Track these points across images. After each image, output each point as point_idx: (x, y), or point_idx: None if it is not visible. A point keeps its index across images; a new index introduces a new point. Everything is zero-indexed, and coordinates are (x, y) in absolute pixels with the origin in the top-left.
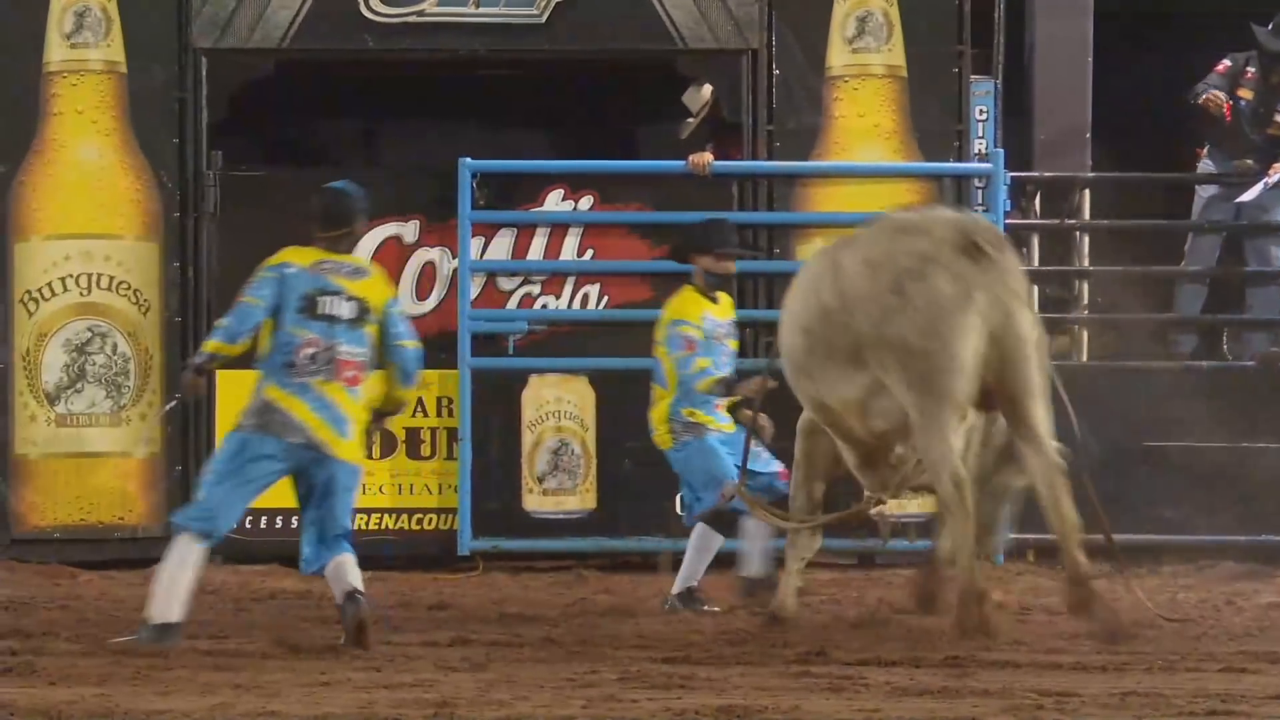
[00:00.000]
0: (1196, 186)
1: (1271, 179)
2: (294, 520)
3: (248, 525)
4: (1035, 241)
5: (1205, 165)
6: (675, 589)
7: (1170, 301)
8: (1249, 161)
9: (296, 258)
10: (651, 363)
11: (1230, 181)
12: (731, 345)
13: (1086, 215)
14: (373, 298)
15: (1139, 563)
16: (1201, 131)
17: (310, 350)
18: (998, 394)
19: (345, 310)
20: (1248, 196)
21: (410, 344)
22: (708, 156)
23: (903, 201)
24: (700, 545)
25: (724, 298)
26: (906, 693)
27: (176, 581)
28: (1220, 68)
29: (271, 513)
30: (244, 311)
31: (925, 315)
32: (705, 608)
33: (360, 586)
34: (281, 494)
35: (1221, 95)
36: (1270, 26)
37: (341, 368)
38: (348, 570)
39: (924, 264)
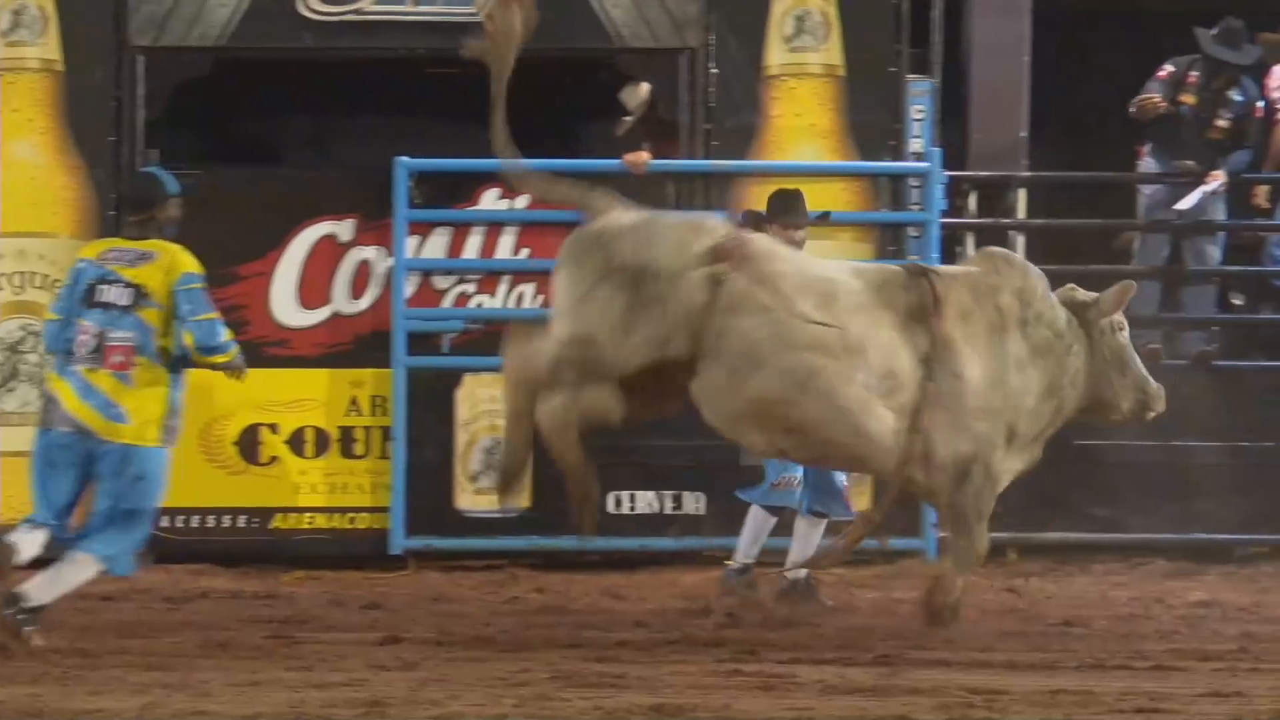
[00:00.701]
0: (1139, 185)
1: (1209, 187)
2: (225, 519)
3: (178, 524)
4: (970, 241)
5: (1147, 165)
6: (734, 564)
7: None
8: (1190, 162)
9: (88, 252)
10: None
11: (1171, 181)
12: None
13: (1022, 215)
14: (152, 282)
15: (1072, 561)
16: (1143, 131)
17: (84, 338)
18: None
19: (120, 297)
20: (1185, 204)
21: (202, 317)
22: (645, 155)
23: (840, 200)
24: (754, 523)
25: None
26: (837, 691)
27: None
28: (1162, 73)
29: (203, 511)
30: (46, 329)
31: None
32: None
33: (38, 593)
34: (210, 492)
35: (1157, 97)
36: (1215, 32)
37: (109, 353)
38: (62, 571)
39: None
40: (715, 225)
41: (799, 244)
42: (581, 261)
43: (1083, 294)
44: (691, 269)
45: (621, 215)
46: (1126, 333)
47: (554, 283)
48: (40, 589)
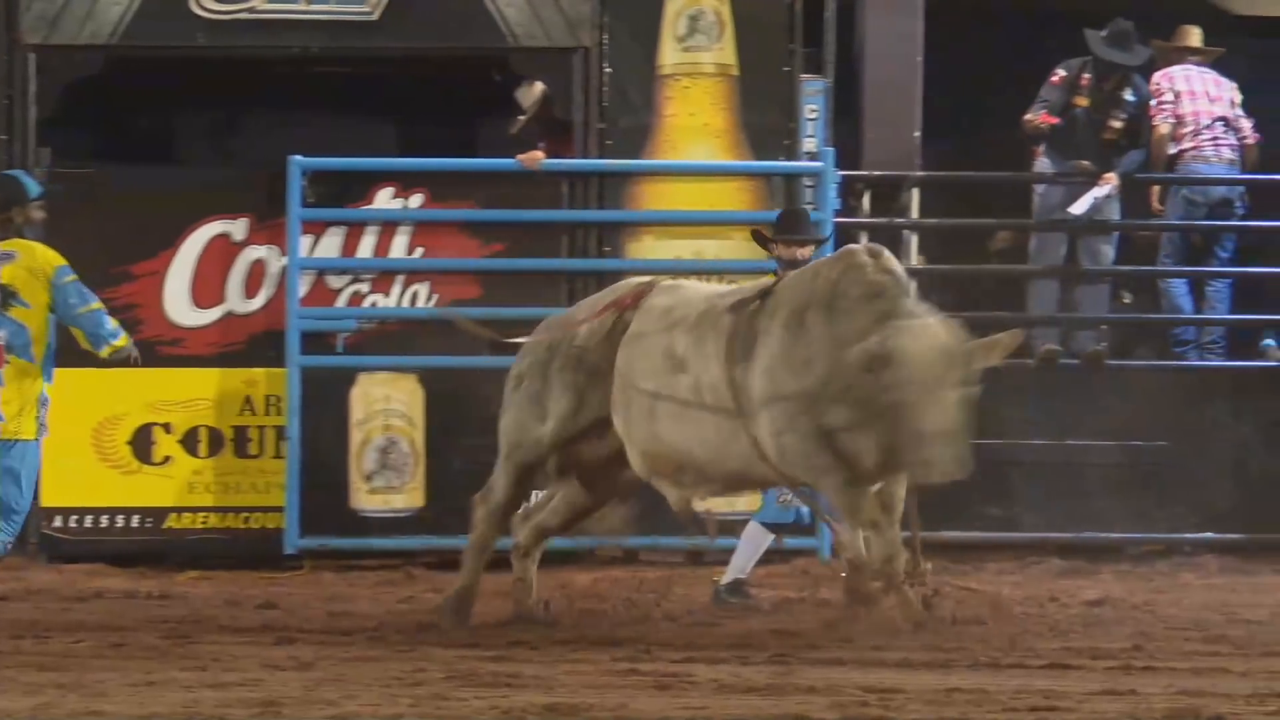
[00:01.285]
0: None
1: (1101, 191)
2: (119, 519)
3: (72, 524)
4: (864, 240)
5: (1042, 165)
6: (725, 579)
7: (1001, 300)
8: (1085, 163)
9: None
10: (480, 361)
11: (1066, 182)
12: None
13: (916, 214)
14: (17, 281)
15: (966, 560)
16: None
17: None
18: None
19: None
20: (1078, 208)
21: (87, 309)
22: (538, 155)
23: (734, 199)
24: (751, 539)
25: None
26: (733, 690)
27: None
28: (1055, 78)
29: (96, 511)
30: None
31: None
32: (750, 601)
33: None
34: (104, 492)
35: (1043, 114)
36: (1105, 33)
37: None
38: None
39: None
40: (622, 285)
41: (804, 261)
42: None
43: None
44: (593, 327)
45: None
46: None
47: None
48: None
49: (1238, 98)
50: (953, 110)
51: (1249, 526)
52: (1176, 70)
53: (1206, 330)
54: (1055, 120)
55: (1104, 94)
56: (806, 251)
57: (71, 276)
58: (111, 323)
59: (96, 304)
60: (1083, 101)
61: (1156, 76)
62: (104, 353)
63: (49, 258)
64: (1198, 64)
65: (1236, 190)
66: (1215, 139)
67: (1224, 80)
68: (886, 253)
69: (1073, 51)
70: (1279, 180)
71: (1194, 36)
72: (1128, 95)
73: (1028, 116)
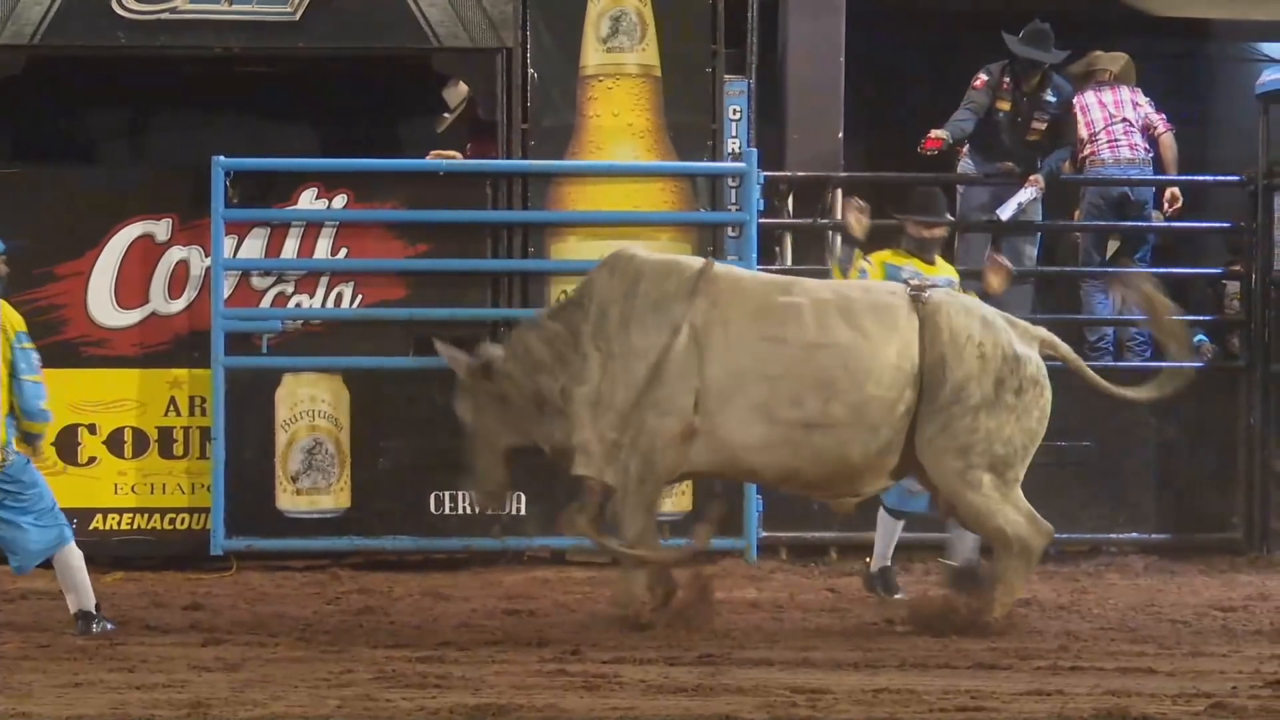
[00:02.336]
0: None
1: (1026, 195)
2: None
3: None
4: (788, 241)
5: (965, 165)
6: (874, 567)
7: None
8: (1009, 164)
9: None
10: (405, 362)
11: (990, 183)
12: None
13: (839, 215)
14: None
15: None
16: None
17: None
18: None
19: None
20: (1005, 213)
21: (31, 378)
22: (453, 153)
23: (658, 200)
24: (884, 526)
25: (939, 260)
26: (661, 690)
27: None
28: (978, 83)
29: None
30: None
31: None
32: (895, 594)
33: None
34: None
35: (944, 135)
36: (1021, 35)
37: None
38: None
39: None
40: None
41: (935, 242)
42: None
43: None
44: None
45: None
46: None
47: None
48: None
49: (1141, 98)
50: (876, 111)
51: (1173, 527)
52: (1088, 96)
53: (1126, 331)
54: (939, 144)
55: (1025, 96)
56: (938, 233)
57: (29, 344)
58: (45, 402)
59: (40, 376)
60: (1005, 105)
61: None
62: (26, 425)
63: (14, 319)
64: (1104, 84)
65: (1147, 191)
66: (1113, 141)
67: (1122, 86)
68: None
69: (996, 52)
70: (1199, 181)
71: (1101, 61)
72: (1048, 96)
73: (933, 133)
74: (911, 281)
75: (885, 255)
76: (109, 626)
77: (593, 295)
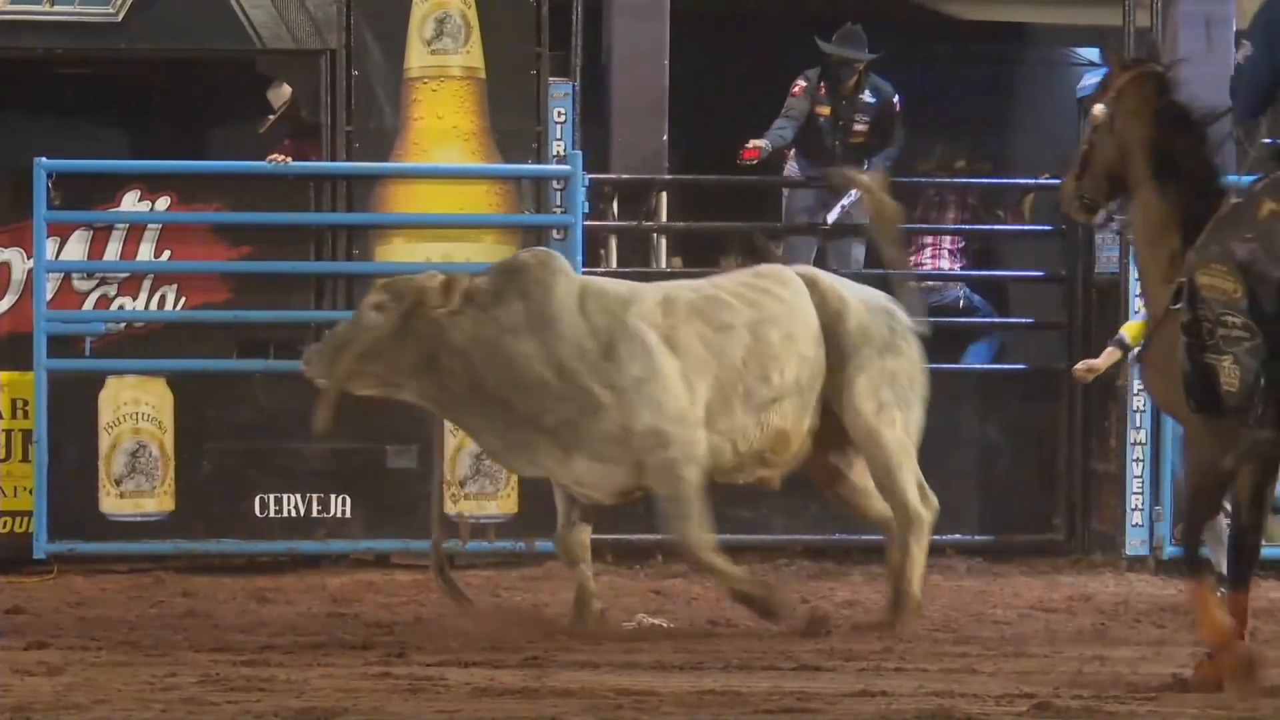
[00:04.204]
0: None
1: (849, 199)
2: None
3: None
4: (614, 243)
5: (791, 168)
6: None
7: None
8: (833, 168)
9: None
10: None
11: (815, 186)
12: None
13: (664, 217)
14: None
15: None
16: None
17: None
18: None
19: None
20: (831, 217)
21: None
22: (284, 157)
23: (483, 203)
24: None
25: None
26: (486, 693)
27: None
28: (796, 89)
29: None
30: None
31: None
32: None
33: None
34: None
35: (763, 144)
36: (834, 37)
37: None
38: None
39: None
40: None
41: None
42: None
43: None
44: None
45: None
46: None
47: None
48: None
49: None
50: (700, 114)
51: (996, 528)
52: None
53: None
54: (757, 154)
55: (843, 99)
56: None
57: None
58: None
59: None
60: (824, 110)
61: None
62: None
63: None
64: None
65: None
66: None
67: None
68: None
69: (818, 56)
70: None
71: None
72: (867, 97)
73: (751, 143)
74: None
75: None
76: None
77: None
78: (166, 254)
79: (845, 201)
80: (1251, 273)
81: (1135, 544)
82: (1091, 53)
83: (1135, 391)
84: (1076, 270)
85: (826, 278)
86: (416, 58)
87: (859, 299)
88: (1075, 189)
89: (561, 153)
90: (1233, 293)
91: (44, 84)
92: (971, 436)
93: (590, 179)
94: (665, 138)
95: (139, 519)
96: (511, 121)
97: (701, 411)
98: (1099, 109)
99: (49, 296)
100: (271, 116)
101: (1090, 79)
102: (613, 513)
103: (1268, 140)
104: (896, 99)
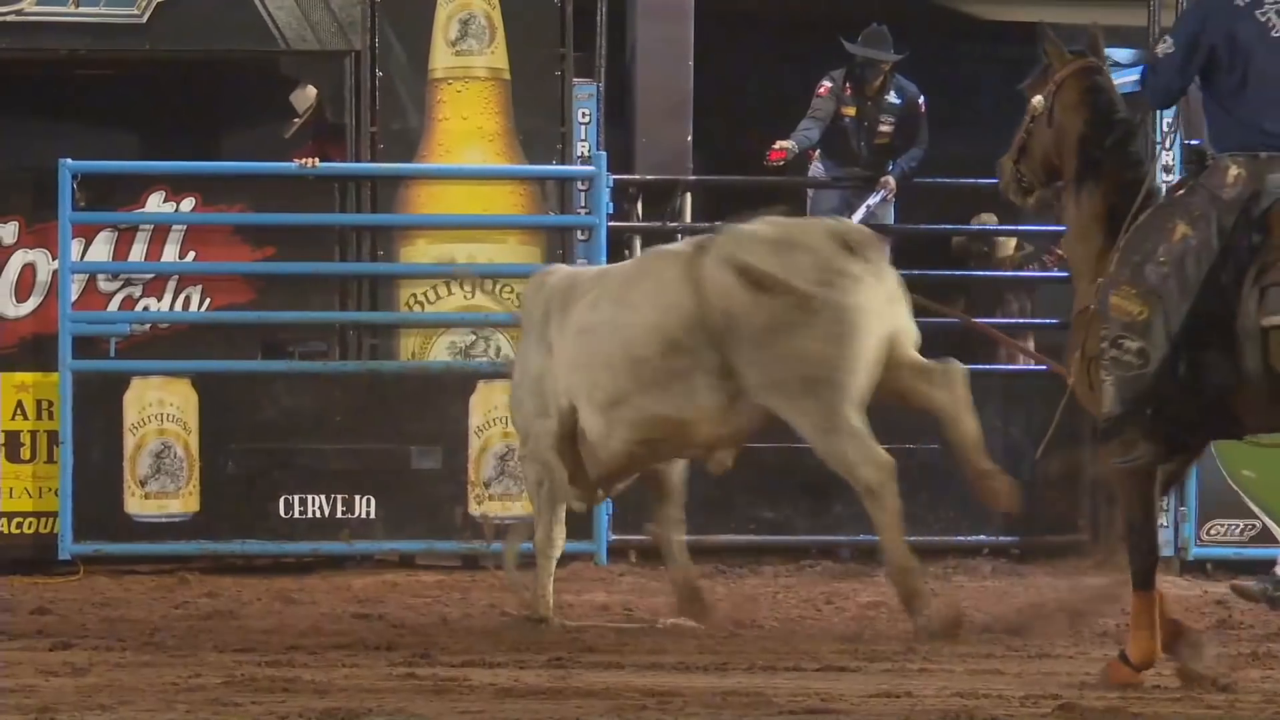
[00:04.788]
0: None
1: (874, 199)
2: None
3: None
4: (638, 244)
5: (816, 169)
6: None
7: None
8: (858, 169)
9: None
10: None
11: (840, 186)
12: None
13: (688, 218)
14: None
15: (740, 563)
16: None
17: None
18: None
19: None
20: (854, 219)
21: None
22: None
23: (507, 203)
24: None
25: None
26: (511, 694)
27: None
28: (822, 90)
29: None
30: None
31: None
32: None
33: None
34: None
35: (790, 145)
36: (860, 38)
37: None
38: None
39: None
40: None
41: None
42: None
43: None
44: None
45: None
46: None
47: None
48: None
49: None
50: (725, 114)
51: (1021, 529)
52: None
53: None
54: (784, 155)
55: (868, 100)
56: None
57: None
58: None
59: None
60: (850, 111)
61: None
62: None
63: None
64: None
65: None
66: None
67: None
68: None
69: (842, 58)
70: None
71: None
72: (892, 98)
73: (778, 144)
74: None
75: None
76: None
77: None
78: (191, 255)
79: (871, 201)
80: (1160, 298)
81: (1160, 545)
82: (1118, 53)
83: None
84: None
85: None
86: (441, 59)
87: None
88: (1013, 171)
89: (586, 153)
90: (1137, 315)
91: (69, 85)
92: (995, 438)
93: (614, 180)
94: (690, 138)
95: (164, 520)
96: (536, 122)
97: None
98: (1038, 100)
99: (74, 298)
100: (297, 120)
101: (1120, 79)
102: (638, 515)
103: (1195, 142)
104: (922, 100)
